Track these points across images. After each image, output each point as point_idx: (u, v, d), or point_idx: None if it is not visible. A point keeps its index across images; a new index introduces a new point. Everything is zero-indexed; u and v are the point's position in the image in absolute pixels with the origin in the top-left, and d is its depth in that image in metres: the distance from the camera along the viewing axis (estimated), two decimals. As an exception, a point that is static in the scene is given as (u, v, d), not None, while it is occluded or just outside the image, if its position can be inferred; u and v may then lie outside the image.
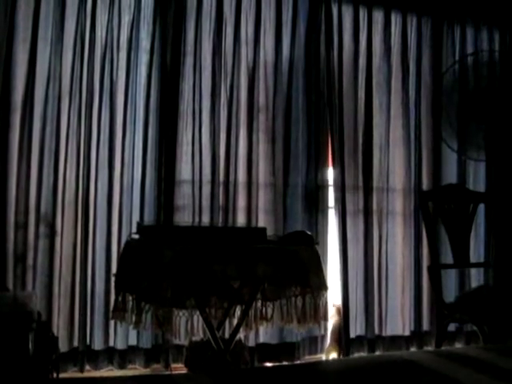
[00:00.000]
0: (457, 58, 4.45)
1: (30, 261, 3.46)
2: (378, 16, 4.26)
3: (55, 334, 3.23)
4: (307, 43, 4.06)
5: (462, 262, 3.86)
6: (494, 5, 4.49)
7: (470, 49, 4.49)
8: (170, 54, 3.77)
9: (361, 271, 4.11)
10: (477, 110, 4.46)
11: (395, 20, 4.30)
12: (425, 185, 4.32)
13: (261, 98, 3.94)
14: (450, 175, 4.38)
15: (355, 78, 4.17)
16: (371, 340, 4.09)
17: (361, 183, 4.14)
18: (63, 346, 3.42)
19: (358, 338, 4.09)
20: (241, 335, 3.23)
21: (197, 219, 3.75)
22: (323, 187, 4.05)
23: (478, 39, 4.51)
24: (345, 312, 3.99)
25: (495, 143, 4.47)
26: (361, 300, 4.10)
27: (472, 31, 4.50)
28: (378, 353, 4.08)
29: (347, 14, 4.17)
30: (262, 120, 3.95)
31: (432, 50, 4.39)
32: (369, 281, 4.10)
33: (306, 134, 4.03)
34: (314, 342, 3.99)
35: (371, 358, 2.79)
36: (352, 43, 4.18)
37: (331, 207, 4.09)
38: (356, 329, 4.08)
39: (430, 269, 3.81)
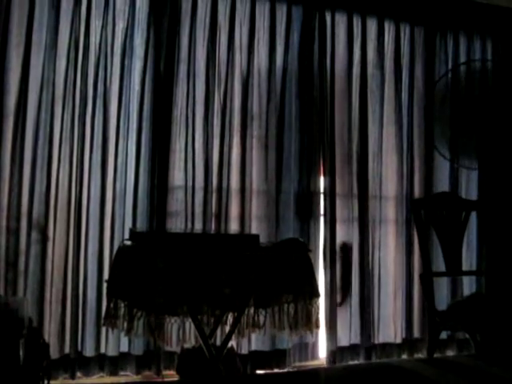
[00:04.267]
0: (449, 66, 4.48)
1: (21, 266, 3.45)
2: (372, 25, 4.28)
3: (46, 340, 3.21)
4: (301, 51, 4.08)
5: (454, 269, 3.87)
6: (486, 14, 4.52)
7: (462, 58, 4.52)
8: (163, 61, 3.77)
9: (354, 279, 4.10)
10: (469, 118, 4.48)
11: (388, 29, 4.33)
12: (417, 193, 4.33)
13: (254, 106, 3.95)
14: (443, 183, 4.40)
15: (348, 85, 4.19)
16: (363, 348, 4.08)
17: (353, 191, 4.15)
18: (54, 353, 3.41)
19: (351, 346, 4.08)
20: (233, 342, 3.23)
21: (189, 226, 3.74)
22: (316, 194, 4.06)
23: (471, 48, 4.54)
24: (331, 321, 3.98)
25: (487, 151, 4.49)
26: (354, 307, 4.09)
27: (465, 40, 4.54)
28: (366, 360, 4.09)
29: (341, 22, 4.20)
30: (255, 127, 3.96)
31: (425, 59, 4.42)
32: (361, 288, 4.10)
33: (298, 142, 4.04)
34: (305, 349, 3.98)
35: (368, 366, 2.79)
36: (345, 51, 4.20)
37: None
38: (350, 337, 4.08)
39: (422, 276, 3.82)
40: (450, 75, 4.47)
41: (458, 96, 4.49)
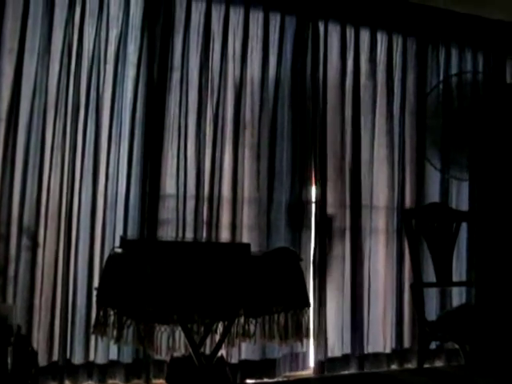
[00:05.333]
0: (441, 78, 4.51)
1: (11, 273, 3.43)
2: (365, 36, 4.31)
3: (35, 347, 3.20)
4: (294, 61, 4.09)
5: (444, 280, 3.88)
6: (478, 27, 4.55)
7: (454, 69, 4.55)
8: (156, 69, 3.78)
9: (345, 289, 4.10)
10: (460, 129, 4.50)
11: (381, 40, 4.36)
12: (408, 203, 4.35)
13: (247, 115, 3.96)
14: (433, 194, 4.42)
15: (341, 96, 4.20)
16: (354, 357, 4.08)
17: (345, 201, 4.16)
18: (43, 360, 3.39)
19: (344, 356, 4.08)
20: (223, 351, 3.22)
21: (180, 234, 3.74)
22: (307, 204, 4.06)
23: (462, 60, 4.57)
24: (319, 330, 3.97)
25: (478, 163, 4.51)
26: (343, 318, 4.09)
27: (456, 52, 4.57)
28: (357, 370, 4.08)
29: (334, 32, 4.22)
30: (247, 136, 3.96)
31: (417, 70, 4.45)
32: (352, 298, 4.10)
33: (290, 151, 4.05)
34: (295, 359, 3.98)
35: (358, 376, 2.78)
36: (338, 62, 4.22)
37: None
38: (339, 347, 4.07)
39: (412, 287, 3.82)
40: (441, 86, 4.50)
41: (450, 107, 4.51)
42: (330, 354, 4.03)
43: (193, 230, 3.78)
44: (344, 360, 4.08)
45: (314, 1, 4.15)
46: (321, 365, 3.97)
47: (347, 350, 4.09)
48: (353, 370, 4.07)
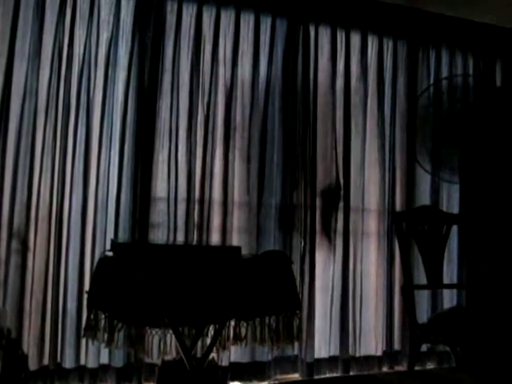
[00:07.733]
0: (432, 81, 4.53)
1: (0, 276, 3.41)
2: (355, 38, 4.32)
3: (25, 351, 3.18)
4: (284, 64, 4.10)
5: (435, 282, 3.89)
6: (468, 30, 4.58)
7: (444, 73, 4.57)
8: (147, 72, 3.78)
9: (335, 291, 4.11)
10: (451, 132, 4.52)
11: (372, 43, 4.37)
12: (398, 206, 4.36)
13: (237, 117, 3.96)
14: (424, 197, 4.43)
15: (332, 98, 4.21)
16: (344, 360, 4.08)
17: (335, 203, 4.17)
18: (33, 364, 3.38)
19: (332, 358, 4.08)
20: (213, 354, 3.22)
21: (171, 237, 3.73)
22: (298, 207, 4.06)
23: (453, 63, 4.59)
24: (309, 332, 3.97)
25: (469, 165, 4.53)
26: (335, 320, 4.10)
27: (447, 56, 4.59)
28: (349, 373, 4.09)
29: (325, 35, 4.23)
30: (238, 139, 3.96)
31: (407, 73, 4.46)
32: (342, 301, 4.11)
33: (281, 154, 4.05)
34: (286, 362, 3.98)
35: (349, 379, 2.78)
36: (329, 64, 4.23)
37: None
38: (329, 349, 4.07)
39: (403, 289, 3.83)
40: (432, 89, 4.52)
41: (440, 110, 4.53)
42: (317, 356, 4.02)
43: (184, 233, 3.77)
44: (331, 362, 4.07)
45: (304, 3, 4.16)
46: (309, 367, 3.96)
47: (335, 353, 4.09)
48: (340, 373, 4.06)
